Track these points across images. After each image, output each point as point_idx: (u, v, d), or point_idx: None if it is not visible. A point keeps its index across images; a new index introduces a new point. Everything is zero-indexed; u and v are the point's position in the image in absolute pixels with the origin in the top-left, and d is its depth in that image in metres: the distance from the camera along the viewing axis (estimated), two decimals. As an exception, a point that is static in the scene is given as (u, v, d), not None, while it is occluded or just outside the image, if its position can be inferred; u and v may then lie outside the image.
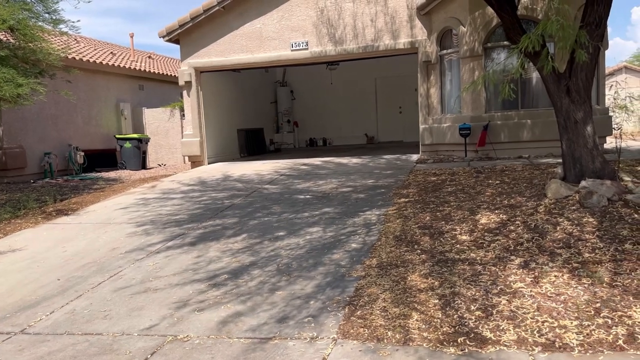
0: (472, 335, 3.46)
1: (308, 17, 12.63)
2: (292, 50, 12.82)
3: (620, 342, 3.22)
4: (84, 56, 15.36)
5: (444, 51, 11.83)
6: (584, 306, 3.69)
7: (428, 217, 6.18)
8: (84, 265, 5.74)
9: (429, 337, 3.48)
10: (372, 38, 12.28)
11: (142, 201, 9.00)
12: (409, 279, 4.46)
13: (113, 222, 7.64)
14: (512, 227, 5.40)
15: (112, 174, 14.22)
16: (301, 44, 12.70)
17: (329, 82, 19.31)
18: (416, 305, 3.94)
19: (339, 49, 12.51)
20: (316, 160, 13.08)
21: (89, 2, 11.47)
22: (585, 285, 4.00)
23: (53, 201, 9.41)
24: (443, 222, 5.90)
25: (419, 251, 5.10)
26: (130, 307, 4.47)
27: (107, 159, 16.08)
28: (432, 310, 3.84)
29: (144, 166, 15.87)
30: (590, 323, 3.47)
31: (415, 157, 12.26)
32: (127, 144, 15.51)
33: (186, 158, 14.52)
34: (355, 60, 14.74)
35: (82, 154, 14.64)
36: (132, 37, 20.09)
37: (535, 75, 10.26)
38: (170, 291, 4.77)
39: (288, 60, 13.33)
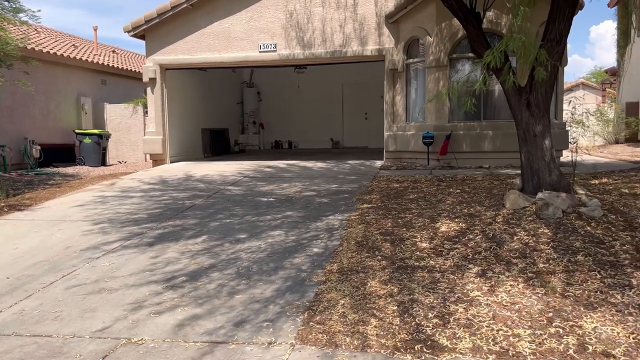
0: (429, 342, 3.49)
1: (277, 20, 12.60)
2: (260, 52, 12.75)
3: (571, 351, 3.31)
4: (44, 47, 14.89)
5: (411, 60, 12.00)
6: (537, 315, 3.79)
7: (390, 224, 6.23)
8: (35, 263, 5.54)
9: (386, 344, 3.50)
10: (340, 43, 12.34)
11: (100, 199, 8.77)
12: (369, 285, 4.48)
13: (68, 219, 7.41)
14: (471, 236, 5.50)
15: (69, 170, 13.81)
16: (269, 46, 12.65)
17: (296, 85, 19.30)
18: (375, 312, 3.96)
19: (307, 52, 12.53)
20: (281, 163, 13.04)
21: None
22: (539, 295, 4.10)
23: (5, 196, 9.06)
24: (404, 229, 5.96)
25: (380, 257, 5.14)
26: (83, 308, 4.33)
27: (65, 154, 15.60)
28: (390, 317, 3.87)
29: (103, 163, 15.49)
30: (542, 332, 3.55)
31: (379, 163, 12.37)
32: (87, 140, 15.10)
33: (148, 156, 14.23)
34: (323, 65, 14.77)
35: (39, 148, 14.17)
36: (95, 30, 19.65)
37: (497, 87, 10.51)
38: (126, 292, 4.65)
39: (256, 62, 13.26)
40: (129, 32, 13.23)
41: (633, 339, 3.41)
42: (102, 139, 15.35)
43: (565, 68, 11.95)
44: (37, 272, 5.26)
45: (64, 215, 7.70)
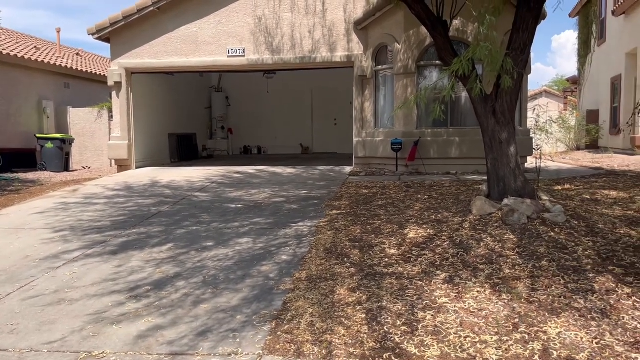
0: (397, 350, 3.47)
1: (246, 24, 12.52)
2: (228, 57, 12.65)
3: (536, 357, 3.34)
4: (3, 49, 14.45)
5: (379, 67, 12.08)
6: (503, 321, 3.82)
7: (359, 230, 6.22)
8: (-9, 274, 5.31)
9: (354, 353, 3.46)
10: (309, 49, 12.34)
11: (61, 206, 8.51)
12: (338, 292, 4.45)
13: (28, 227, 7.16)
14: (438, 242, 5.53)
15: (30, 176, 13.39)
16: (238, 51, 12.56)
17: (265, 91, 19.23)
18: (343, 320, 3.93)
19: (276, 58, 12.48)
20: (250, 169, 12.93)
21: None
22: (505, 301, 4.14)
23: (-39, 203, 8.71)
24: (373, 236, 5.95)
25: (349, 264, 5.11)
26: (41, 321, 4.17)
27: (26, 160, 15.13)
28: (358, 325, 3.84)
29: (66, 168, 15.07)
30: (509, 338, 3.58)
31: (348, 169, 12.39)
32: (49, 144, 14.67)
33: (113, 162, 13.92)
34: (292, 71, 14.76)
35: (-2, 152, 13.71)
36: (59, 32, 19.18)
37: (464, 94, 10.66)
38: (87, 303, 4.50)
39: (224, 66, 13.16)
40: (93, 34, 12.93)
41: (596, 344, 3.46)
42: (65, 143, 14.95)
43: (529, 76, 12.24)
44: (-8, 283, 5.04)
45: (23, 222, 7.44)
